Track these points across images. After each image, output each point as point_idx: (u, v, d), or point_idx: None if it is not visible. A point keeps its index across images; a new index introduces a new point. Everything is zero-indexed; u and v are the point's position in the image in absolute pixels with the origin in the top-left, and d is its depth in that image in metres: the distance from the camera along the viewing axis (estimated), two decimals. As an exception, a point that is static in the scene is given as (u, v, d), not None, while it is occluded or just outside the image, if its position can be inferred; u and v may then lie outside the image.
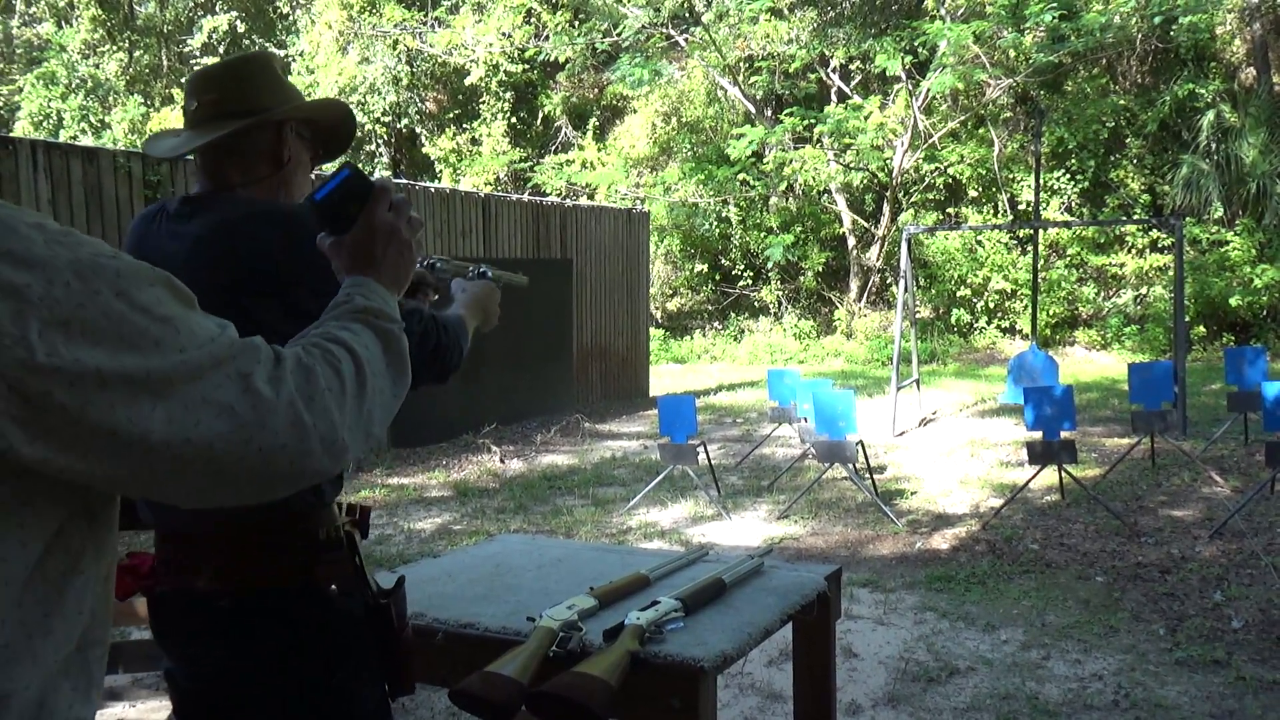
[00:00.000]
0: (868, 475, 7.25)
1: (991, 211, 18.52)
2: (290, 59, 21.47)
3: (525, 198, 12.22)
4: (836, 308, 18.84)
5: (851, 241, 18.82)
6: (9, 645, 0.91)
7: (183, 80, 22.41)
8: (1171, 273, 12.97)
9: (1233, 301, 15.89)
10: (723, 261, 19.76)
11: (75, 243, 0.90)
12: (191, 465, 0.93)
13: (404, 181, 12.43)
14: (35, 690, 0.93)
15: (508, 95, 20.47)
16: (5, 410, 0.85)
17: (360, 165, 19.78)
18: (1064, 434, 6.49)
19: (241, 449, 0.95)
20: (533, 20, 19.56)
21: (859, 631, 4.52)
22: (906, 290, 10.40)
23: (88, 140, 18.85)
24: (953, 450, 8.83)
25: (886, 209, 18.37)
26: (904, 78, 16.75)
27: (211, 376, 0.94)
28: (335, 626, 1.67)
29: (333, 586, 1.67)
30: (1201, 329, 16.19)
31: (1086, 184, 17.88)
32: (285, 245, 1.65)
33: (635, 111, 20.49)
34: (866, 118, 17.02)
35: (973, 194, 18.69)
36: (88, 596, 0.98)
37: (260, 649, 1.64)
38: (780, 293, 19.17)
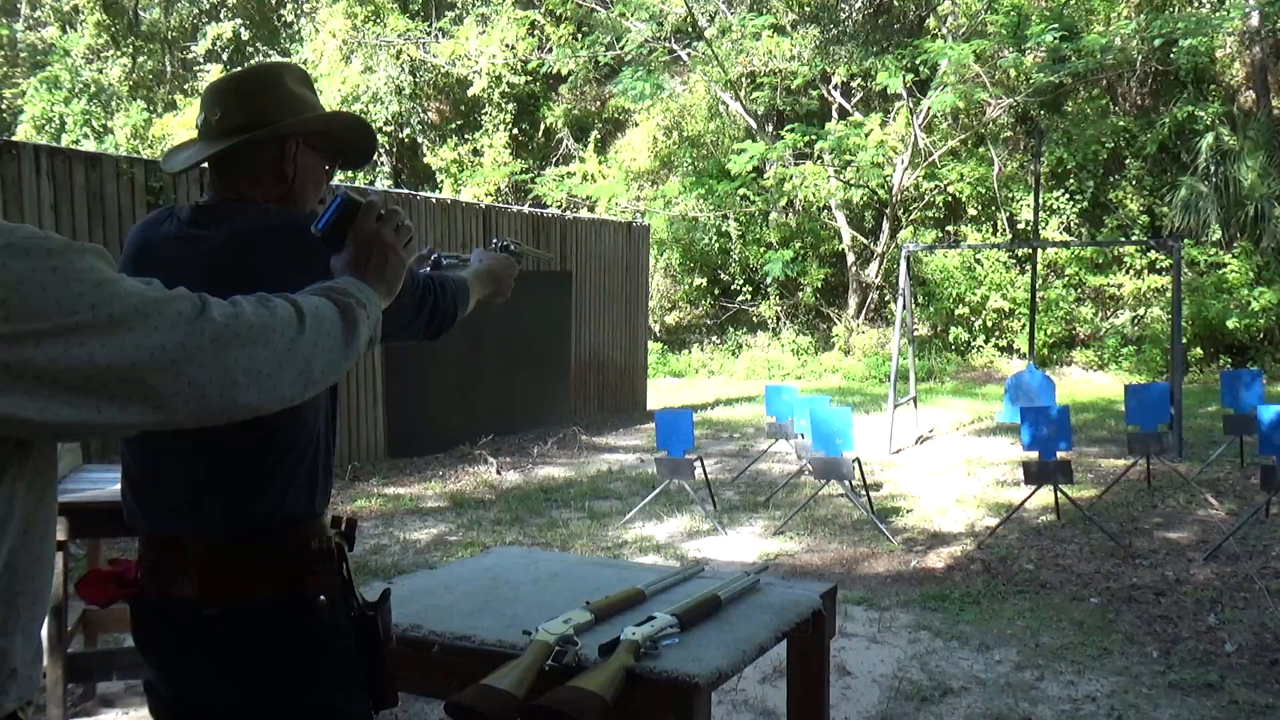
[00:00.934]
0: (864, 492, 7.26)
1: (990, 230, 18.57)
2: (294, 67, 21.50)
3: (526, 209, 12.25)
4: (835, 324, 18.86)
5: (850, 258, 18.86)
6: None
7: (185, 86, 22.50)
8: (1169, 294, 13.01)
9: (1230, 324, 15.93)
10: (722, 276, 19.79)
11: (8, 229, 1.00)
12: (131, 400, 1.05)
13: (404, 191, 12.46)
14: None
15: (510, 107, 20.53)
16: None
17: (363, 174, 19.72)
18: (1060, 454, 6.50)
19: (173, 382, 1.07)
20: (536, 33, 19.64)
21: (853, 649, 4.52)
22: (905, 308, 10.43)
23: (89, 145, 18.87)
24: (949, 469, 8.83)
25: (886, 226, 18.41)
26: (905, 96, 16.81)
27: (141, 324, 1.05)
28: (322, 637, 1.67)
29: (321, 597, 1.67)
30: (1199, 351, 16.22)
31: (1085, 204, 17.94)
32: (297, 259, 1.65)
33: (637, 125, 20.55)
34: (867, 135, 17.08)
35: (972, 212, 18.74)
36: (2, 546, 1.06)
37: (246, 658, 1.63)
38: (779, 308, 19.20)
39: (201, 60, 22.09)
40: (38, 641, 1.14)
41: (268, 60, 19.47)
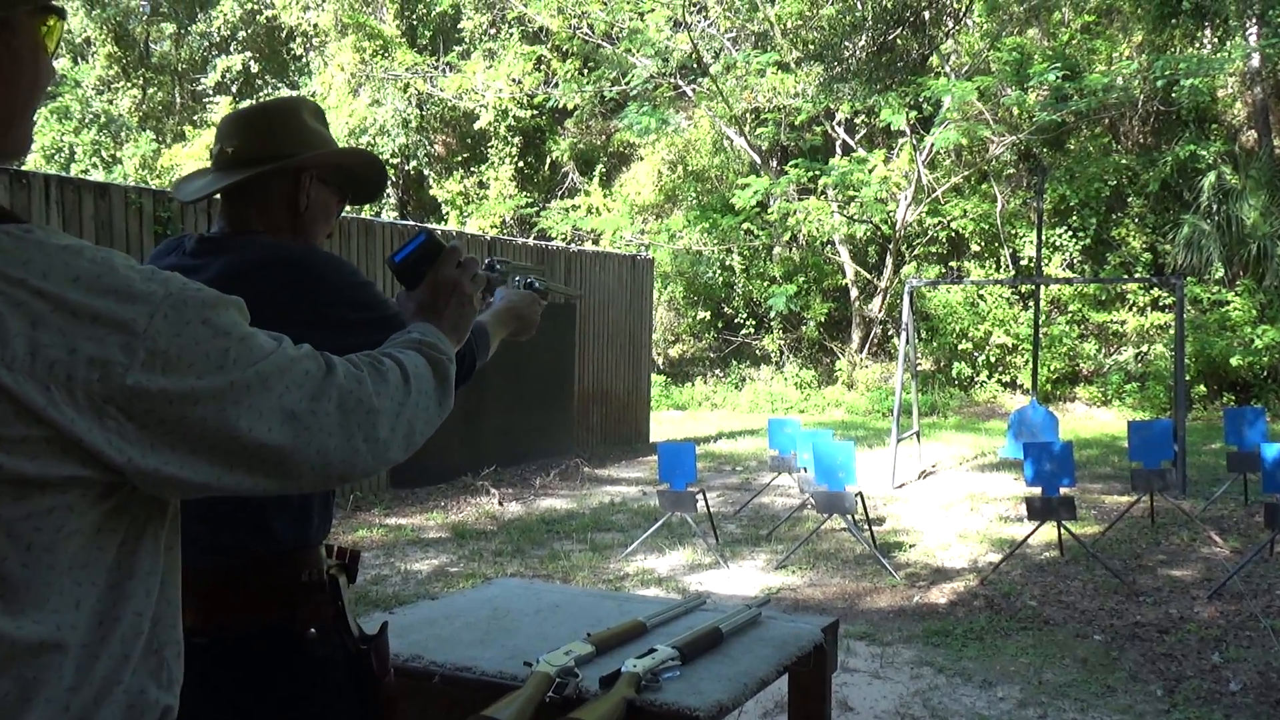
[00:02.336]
0: (866, 527, 7.24)
1: (994, 266, 18.62)
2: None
3: (531, 241, 12.31)
4: (838, 358, 18.88)
5: (854, 293, 18.91)
6: (95, 640, 1.00)
7: (195, 118, 22.70)
8: (1172, 331, 13.02)
9: (1233, 361, 15.92)
10: (725, 309, 19.84)
11: (164, 278, 1.01)
12: (266, 463, 1.05)
13: (410, 223, 12.53)
14: (122, 680, 1.02)
15: (516, 140, 20.68)
16: (120, 430, 0.95)
17: (370, 206, 19.90)
18: (1063, 490, 6.49)
19: (305, 449, 1.07)
20: (543, 67, 19.81)
21: (855, 685, 4.50)
22: (908, 342, 10.44)
23: (98, 175, 19.02)
24: (952, 504, 8.81)
25: (889, 261, 18.47)
26: (908, 132, 16.92)
27: (278, 384, 1.06)
28: (310, 671, 1.66)
29: (311, 630, 1.66)
30: (1202, 388, 16.21)
31: (1088, 241, 17.99)
32: (299, 291, 1.66)
33: (641, 159, 20.68)
34: (870, 171, 17.18)
35: (975, 248, 18.80)
36: (150, 599, 1.07)
37: (232, 690, 1.63)
38: (782, 342, 19.22)
39: (211, 92, 22.29)
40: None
41: (284, 95, 19.63)
